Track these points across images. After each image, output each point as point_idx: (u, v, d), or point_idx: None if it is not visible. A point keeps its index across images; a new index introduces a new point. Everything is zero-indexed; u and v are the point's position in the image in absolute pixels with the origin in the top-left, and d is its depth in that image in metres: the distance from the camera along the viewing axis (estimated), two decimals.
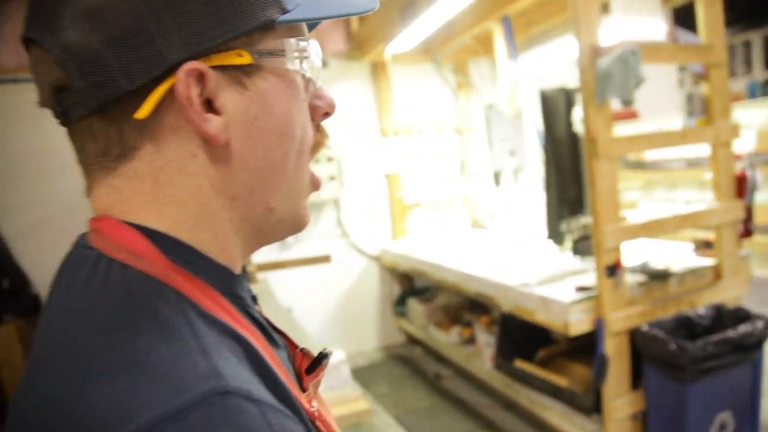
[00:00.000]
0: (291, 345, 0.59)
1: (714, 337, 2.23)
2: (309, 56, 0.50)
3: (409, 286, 4.87)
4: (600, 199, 2.34)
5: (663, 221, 2.45)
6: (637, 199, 4.87)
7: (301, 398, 0.49)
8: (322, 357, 0.58)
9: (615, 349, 2.42)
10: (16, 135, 3.78)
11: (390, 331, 4.88)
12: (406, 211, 4.85)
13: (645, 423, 2.51)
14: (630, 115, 4.60)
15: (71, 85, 0.43)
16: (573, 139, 3.04)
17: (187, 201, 0.46)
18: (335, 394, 2.27)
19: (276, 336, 0.55)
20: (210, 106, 0.45)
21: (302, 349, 0.59)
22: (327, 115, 0.54)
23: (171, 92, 0.43)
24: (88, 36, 0.41)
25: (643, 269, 2.65)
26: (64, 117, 0.45)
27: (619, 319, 2.39)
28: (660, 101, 2.86)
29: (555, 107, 3.09)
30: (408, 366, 4.35)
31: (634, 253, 2.93)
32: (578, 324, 2.44)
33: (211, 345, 0.40)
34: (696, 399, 2.26)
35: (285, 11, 0.46)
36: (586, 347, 2.83)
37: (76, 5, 0.42)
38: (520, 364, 3.04)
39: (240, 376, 0.38)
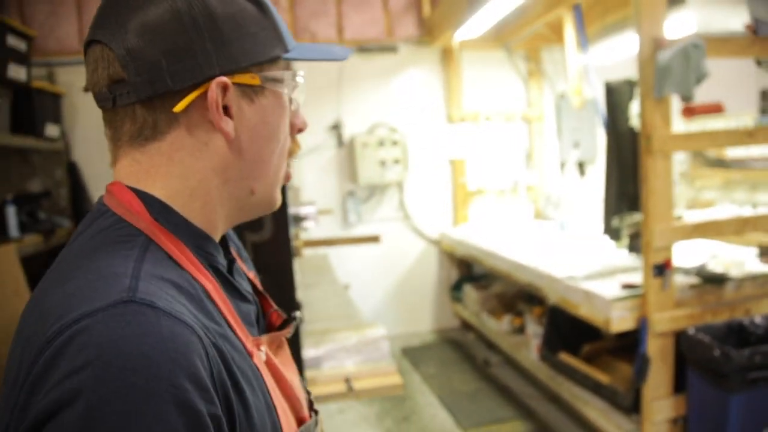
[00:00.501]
0: (268, 304, 0.77)
1: (764, 347, 2.15)
2: (296, 85, 0.67)
3: (467, 273, 4.91)
4: (652, 197, 2.29)
5: (720, 223, 2.36)
6: (714, 199, 4.63)
7: (245, 339, 0.60)
8: (292, 318, 0.75)
9: (658, 351, 2.38)
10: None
11: (445, 316, 4.95)
12: (468, 198, 4.87)
13: (686, 429, 2.45)
14: (715, 109, 4.38)
15: (127, 79, 0.57)
16: (636, 133, 2.96)
17: (190, 177, 0.61)
18: (372, 366, 2.38)
19: (246, 292, 0.69)
20: (226, 110, 0.60)
21: (276, 309, 0.76)
22: (300, 130, 0.70)
23: (201, 96, 0.58)
24: (148, 46, 0.56)
25: (699, 272, 2.57)
26: (110, 102, 0.59)
27: (664, 320, 2.34)
28: (734, 97, 2.73)
29: (620, 100, 3.01)
30: (459, 350, 4.41)
31: (693, 255, 2.83)
32: (621, 321, 2.41)
33: (147, 274, 0.52)
34: (739, 410, 2.19)
35: (287, 51, 0.64)
36: (632, 346, 2.78)
37: (139, 21, 0.56)
38: (565, 357, 3.03)
39: (157, 294, 0.50)
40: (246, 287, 0.70)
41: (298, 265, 3.30)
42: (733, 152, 4.44)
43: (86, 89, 0.61)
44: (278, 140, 0.65)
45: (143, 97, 0.57)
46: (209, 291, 0.58)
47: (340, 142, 4.63)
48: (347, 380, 2.33)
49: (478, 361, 4.11)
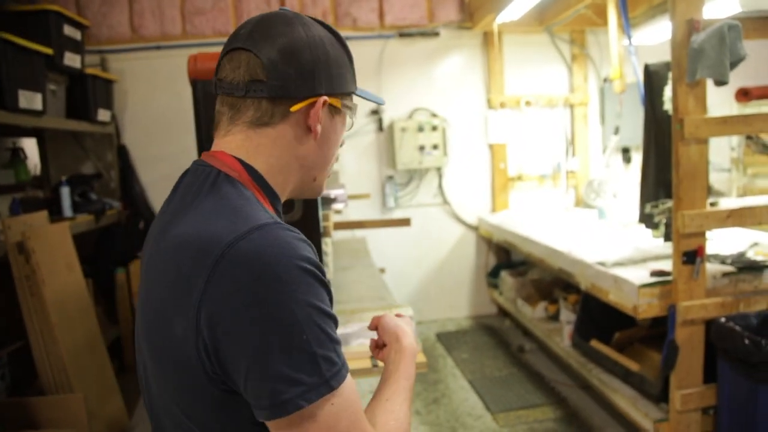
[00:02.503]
0: None
1: None
2: (354, 113, 0.93)
3: (506, 259, 4.89)
4: (683, 183, 2.24)
5: (755, 210, 2.28)
6: None
7: None
8: None
9: (687, 339, 2.34)
10: (157, 96, 4.31)
11: (482, 301, 4.96)
12: (508, 184, 4.84)
13: (716, 419, 2.41)
14: None
15: (266, 81, 0.81)
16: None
17: (282, 157, 0.85)
18: None
19: None
20: (319, 118, 0.85)
21: None
22: (342, 144, 0.95)
23: (309, 105, 0.83)
24: (287, 63, 0.81)
25: (735, 260, 2.50)
26: (243, 92, 0.81)
27: (694, 308, 2.29)
28: None
29: (659, 83, 2.92)
30: (494, 336, 4.42)
31: (733, 243, 2.75)
32: (649, 308, 2.38)
33: (282, 223, 0.76)
34: None
35: (356, 89, 0.91)
36: (664, 335, 2.74)
37: (283, 43, 0.82)
38: (596, 344, 3.01)
39: (288, 227, 0.75)
40: None
41: (330, 247, 3.38)
42: None
43: (218, 78, 0.84)
44: (337, 147, 0.92)
45: (273, 96, 0.81)
46: None
47: (379, 126, 4.68)
48: (372, 357, 2.39)
49: (513, 348, 4.11)
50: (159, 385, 0.79)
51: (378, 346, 0.98)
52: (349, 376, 0.73)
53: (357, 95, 0.92)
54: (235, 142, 0.83)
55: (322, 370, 0.69)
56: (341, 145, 0.95)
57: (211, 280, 0.69)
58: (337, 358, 0.71)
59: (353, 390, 0.73)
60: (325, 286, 0.73)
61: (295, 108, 0.82)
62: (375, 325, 0.99)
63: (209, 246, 0.71)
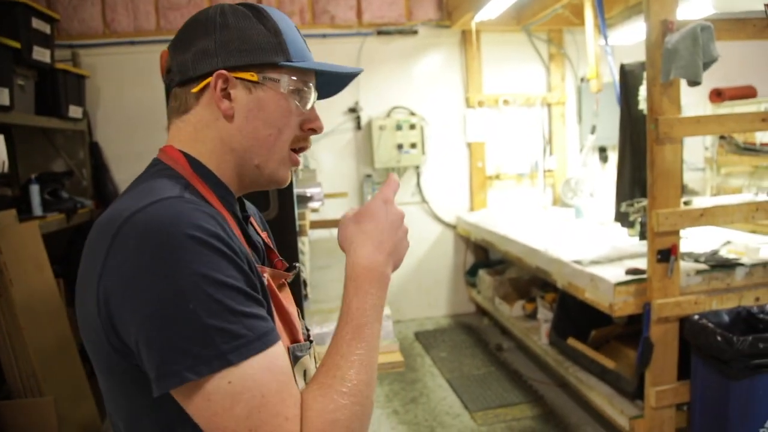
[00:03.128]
0: (274, 255, 0.95)
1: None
2: (302, 92, 0.84)
3: (484, 258, 4.91)
4: (657, 182, 2.26)
5: (728, 208, 2.32)
6: (742, 186, 4.52)
7: (257, 265, 0.79)
8: (292, 267, 0.93)
9: (661, 336, 2.36)
10: (131, 93, 4.22)
11: (461, 300, 4.96)
12: (486, 183, 4.85)
13: (690, 415, 2.44)
14: (746, 92, 4.24)
15: (172, 69, 0.82)
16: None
17: (207, 142, 0.82)
18: None
19: (255, 241, 0.88)
20: (229, 95, 0.80)
21: (280, 259, 0.94)
22: (312, 131, 0.87)
23: (209, 83, 0.79)
24: (183, 46, 0.82)
25: (708, 258, 2.53)
26: (167, 87, 0.84)
27: (668, 306, 2.32)
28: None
29: (635, 83, 2.95)
30: (472, 335, 4.43)
31: (705, 242, 2.79)
32: (624, 306, 2.40)
33: (186, 197, 0.72)
34: (741, 397, 2.17)
35: (288, 60, 0.82)
36: (640, 332, 2.76)
37: (181, 31, 0.83)
38: (572, 342, 3.03)
39: (195, 200, 0.72)
40: (256, 239, 0.89)
41: (307, 246, 3.35)
42: (764, 137, 4.32)
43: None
44: (276, 127, 0.82)
45: (179, 81, 0.81)
46: (232, 226, 0.77)
47: (357, 125, 4.65)
48: None
49: (491, 346, 4.12)
50: (99, 376, 0.76)
51: None
52: (269, 354, 0.66)
53: (290, 66, 0.82)
54: (172, 134, 0.84)
55: (216, 343, 0.63)
56: (311, 132, 0.86)
57: (109, 253, 0.66)
58: (245, 331, 0.64)
59: (270, 369, 0.66)
60: (228, 257, 0.67)
61: (195, 89, 0.80)
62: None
63: (112, 221, 0.69)
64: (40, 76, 3.30)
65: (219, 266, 0.66)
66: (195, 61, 0.79)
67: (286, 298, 0.87)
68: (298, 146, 0.86)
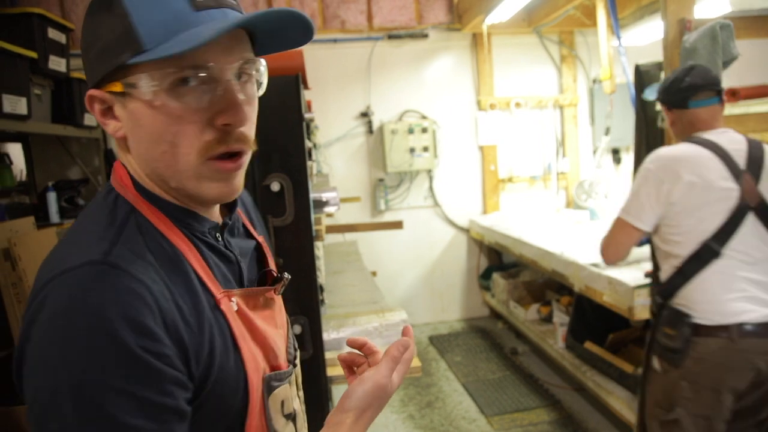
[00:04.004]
0: (266, 265, 0.85)
1: None
2: (193, 85, 0.63)
3: (497, 261, 4.88)
4: None
5: None
6: None
7: (215, 290, 0.69)
8: (279, 278, 0.82)
9: None
10: None
11: (475, 304, 4.94)
12: (498, 186, 4.84)
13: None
14: (762, 91, 4.20)
15: None
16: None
17: (131, 163, 0.71)
18: None
19: (230, 253, 0.76)
20: (113, 114, 0.67)
21: (270, 270, 0.84)
22: (230, 126, 0.65)
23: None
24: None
25: None
26: None
27: None
28: None
29: (649, 83, 2.93)
30: (487, 339, 4.40)
31: None
32: (643, 309, 2.37)
33: (125, 239, 0.63)
34: None
35: (139, 53, 0.61)
36: None
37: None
38: (590, 346, 3.00)
39: (125, 257, 0.61)
40: (236, 250, 0.78)
41: (322, 251, 3.35)
42: None
43: None
44: (166, 141, 0.64)
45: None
46: (183, 252, 0.68)
47: (369, 129, 4.65)
48: None
49: (506, 350, 4.09)
50: None
51: (351, 366, 0.84)
52: None
53: (141, 62, 0.60)
54: None
55: None
56: (227, 126, 0.65)
57: (26, 315, 0.61)
58: None
59: None
60: (139, 361, 0.57)
61: (93, 115, 0.69)
62: (361, 345, 0.82)
63: (38, 280, 0.62)
64: (56, 85, 3.33)
65: (119, 373, 0.56)
66: (87, 80, 0.67)
67: (268, 317, 0.78)
68: (219, 152, 0.65)
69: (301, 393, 0.86)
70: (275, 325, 0.79)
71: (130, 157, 0.70)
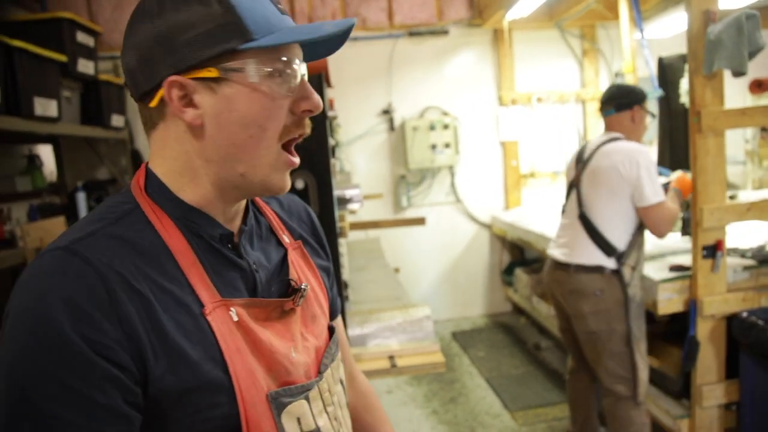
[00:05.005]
0: (289, 279, 0.80)
1: None
2: (285, 73, 0.69)
3: (520, 256, 4.87)
4: (701, 177, 2.22)
5: None
6: None
7: (207, 297, 0.67)
8: (296, 289, 0.78)
9: (708, 334, 2.31)
10: None
11: (497, 300, 4.94)
12: (520, 181, 4.82)
13: (739, 415, 2.38)
14: None
15: (127, 85, 0.71)
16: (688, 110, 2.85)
17: (178, 158, 0.71)
18: (416, 345, 2.43)
19: (238, 260, 0.73)
20: (191, 102, 0.67)
21: (290, 279, 0.80)
22: (307, 112, 0.71)
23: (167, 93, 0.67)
24: (132, 58, 0.69)
25: (755, 254, 2.47)
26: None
27: (715, 303, 2.27)
28: None
29: (673, 76, 2.91)
30: (510, 334, 4.40)
31: (750, 236, 2.72)
32: (668, 304, 2.36)
33: (105, 234, 0.65)
34: None
35: (250, 40, 0.66)
36: (684, 330, 2.71)
37: (129, 40, 0.69)
38: None
39: (92, 246, 0.63)
40: (254, 256, 0.76)
41: (345, 248, 3.39)
42: None
43: None
44: (256, 125, 0.68)
45: (136, 98, 0.71)
46: (175, 253, 0.68)
47: (391, 126, 4.67)
48: (391, 357, 2.39)
49: (529, 345, 4.09)
50: None
51: None
52: None
53: (254, 47, 0.66)
54: (149, 153, 0.75)
55: None
56: (307, 114, 0.71)
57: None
58: None
59: None
60: (67, 343, 0.57)
61: (153, 103, 0.68)
62: None
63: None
64: (85, 87, 3.41)
65: (48, 358, 0.57)
66: (143, 69, 0.67)
67: (283, 329, 0.74)
68: (294, 136, 0.71)
69: (333, 408, 0.79)
70: (291, 337, 0.75)
71: (171, 159, 0.71)
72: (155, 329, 0.62)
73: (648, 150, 2.33)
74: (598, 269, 2.31)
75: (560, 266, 2.46)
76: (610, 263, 2.30)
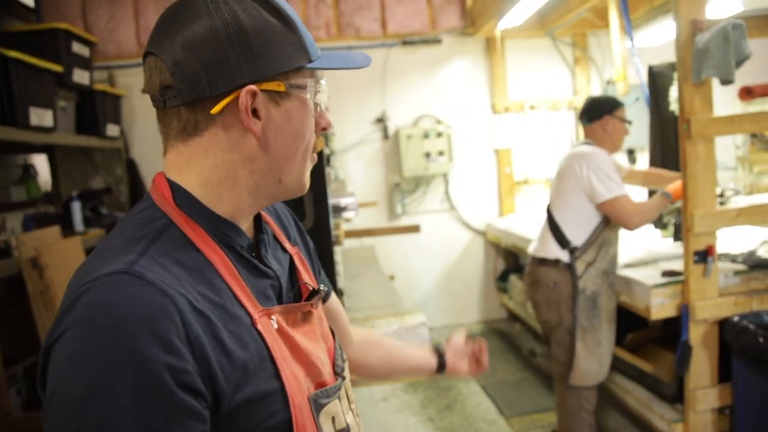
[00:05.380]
0: (300, 278, 0.84)
1: None
2: (320, 91, 0.75)
3: (514, 263, 4.89)
4: (691, 183, 2.25)
5: (766, 207, 2.29)
6: None
7: (252, 308, 0.69)
8: (315, 291, 0.82)
9: (700, 339, 2.34)
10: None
11: (492, 306, 4.96)
12: (514, 188, 4.85)
13: (732, 419, 2.40)
14: None
15: (174, 85, 0.67)
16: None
17: (221, 167, 0.71)
18: None
19: (266, 269, 0.76)
20: (255, 112, 0.69)
21: (306, 283, 0.84)
22: (324, 129, 0.78)
23: (233, 100, 0.68)
24: (191, 58, 0.66)
25: (746, 259, 2.50)
26: (161, 104, 0.70)
27: (707, 307, 2.29)
28: None
29: (663, 84, 2.95)
30: (505, 340, 4.41)
31: (741, 241, 2.75)
32: (661, 309, 2.38)
33: (154, 251, 0.64)
34: None
35: (310, 61, 0.72)
36: (677, 335, 2.73)
37: (184, 37, 0.67)
38: None
39: (150, 268, 0.62)
40: (274, 264, 0.79)
41: (340, 255, 3.40)
42: None
43: (144, 91, 0.73)
44: (303, 138, 0.73)
45: (187, 101, 0.68)
46: (217, 266, 0.68)
47: (385, 134, 4.70)
48: None
49: (524, 351, 4.10)
50: None
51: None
52: None
53: (313, 68, 0.73)
54: (170, 160, 0.72)
55: None
56: (323, 131, 0.78)
57: (58, 325, 0.61)
58: None
59: None
60: (153, 376, 0.56)
61: (215, 109, 0.67)
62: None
63: (72, 285, 0.63)
64: (80, 97, 3.43)
65: (131, 394, 0.55)
66: (210, 73, 0.66)
67: (309, 332, 0.78)
68: (321, 147, 0.83)
69: (354, 405, 0.83)
70: (316, 339, 0.79)
71: (211, 168, 0.70)
72: (221, 348, 0.63)
73: (603, 153, 2.55)
74: (555, 263, 2.53)
75: (532, 260, 2.70)
76: (564, 256, 2.51)
